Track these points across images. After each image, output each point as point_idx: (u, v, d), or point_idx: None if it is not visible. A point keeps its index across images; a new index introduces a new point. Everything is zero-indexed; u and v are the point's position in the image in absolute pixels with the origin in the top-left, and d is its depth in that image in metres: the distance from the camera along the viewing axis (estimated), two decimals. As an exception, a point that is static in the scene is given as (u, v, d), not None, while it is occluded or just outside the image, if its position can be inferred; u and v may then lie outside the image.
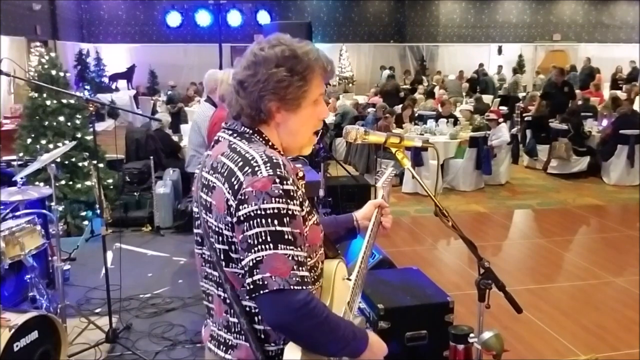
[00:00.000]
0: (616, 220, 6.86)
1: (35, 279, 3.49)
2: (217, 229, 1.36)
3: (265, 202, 1.28)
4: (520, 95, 14.08)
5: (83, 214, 5.64)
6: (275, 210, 1.28)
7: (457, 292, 3.92)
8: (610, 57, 18.83)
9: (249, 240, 1.28)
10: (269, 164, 1.31)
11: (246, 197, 1.29)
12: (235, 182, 1.31)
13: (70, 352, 3.26)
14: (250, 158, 1.33)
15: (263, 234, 1.27)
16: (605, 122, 8.84)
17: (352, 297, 1.54)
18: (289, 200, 1.30)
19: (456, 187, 7.78)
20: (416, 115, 9.82)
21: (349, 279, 1.56)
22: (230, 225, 1.33)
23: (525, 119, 9.91)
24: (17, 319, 2.82)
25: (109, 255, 4.18)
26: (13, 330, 2.75)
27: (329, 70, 1.45)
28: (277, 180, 1.29)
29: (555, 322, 3.99)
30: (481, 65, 17.68)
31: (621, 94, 11.83)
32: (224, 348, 1.43)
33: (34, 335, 2.89)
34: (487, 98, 13.29)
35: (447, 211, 1.70)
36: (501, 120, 8.53)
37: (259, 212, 1.27)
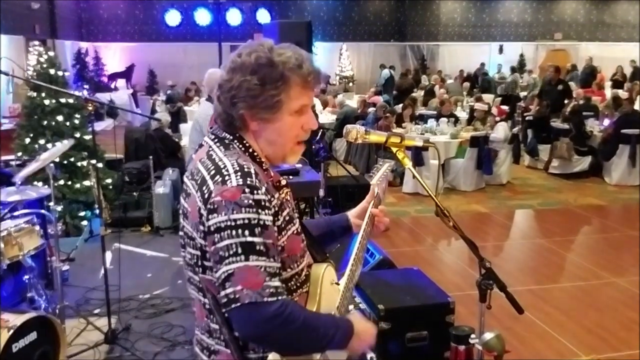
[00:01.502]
0: (618, 220, 6.84)
1: (34, 280, 3.47)
2: (191, 236, 1.35)
3: (234, 212, 1.25)
4: (522, 94, 14.08)
5: (82, 214, 5.63)
6: (246, 221, 1.25)
7: (458, 293, 3.91)
8: (611, 56, 18.83)
9: (220, 253, 1.26)
10: (239, 173, 1.29)
11: (215, 206, 1.27)
12: (205, 191, 1.30)
13: (69, 352, 3.25)
14: (222, 166, 1.32)
15: (234, 245, 1.25)
16: (606, 122, 8.83)
17: (342, 301, 1.52)
18: (259, 210, 1.27)
19: (457, 187, 7.77)
20: (417, 114, 9.81)
21: (337, 283, 1.54)
22: (202, 233, 1.31)
23: (527, 118, 9.91)
24: (16, 319, 2.81)
25: (108, 255, 4.16)
26: (12, 331, 2.74)
27: (311, 80, 1.39)
28: (247, 190, 1.27)
29: (556, 323, 3.98)
30: (482, 64, 17.67)
31: (623, 94, 11.82)
32: (207, 352, 1.42)
33: (33, 336, 2.88)
34: (488, 97, 13.28)
35: (448, 211, 1.68)
36: (498, 119, 8.50)
37: (228, 223, 1.25)
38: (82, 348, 3.42)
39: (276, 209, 1.33)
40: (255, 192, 1.28)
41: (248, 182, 1.28)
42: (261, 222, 1.27)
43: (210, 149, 1.39)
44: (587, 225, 6.63)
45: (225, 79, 1.37)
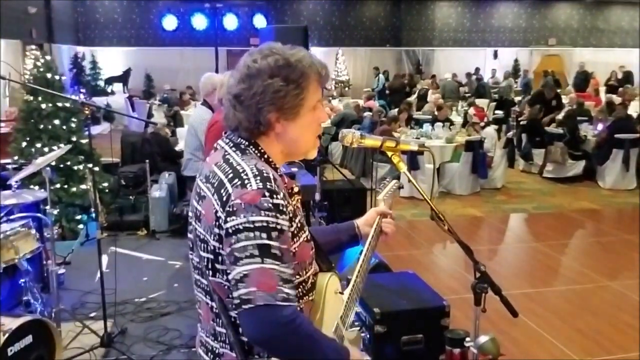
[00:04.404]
0: (611, 224, 6.88)
1: (30, 283, 3.47)
2: (204, 238, 1.36)
3: (254, 215, 1.26)
4: (516, 99, 14.16)
5: (78, 217, 5.62)
6: (264, 224, 1.27)
7: (453, 296, 3.92)
8: (604, 61, 18.97)
9: (236, 254, 1.26)
10: (259, 177, 1.30)
11: (234, 209, 1.28)
12: (224, 194, 1.31)
13: (64, 356, 3.24)
14: (240, 170, 1.33)
15: (250, 247, 1.25)
16: (600, 126, 8.88)
17: (346, 311, 1.52)
18: (277, 215, 1.29)
19: (452, 191, 7.79)
20: (412, 118, 9.85)
21: (341, 293, 1.54)
22: (218, 236, 1.32)
23: (521, 123, 9.96)
24: (12, 323, 2.80)
25: (104, 259, 4.16)
26: (7, 334, 2.73)
27: (324, 75, 1.44)
28: (267, 194, 1.28)
29: (551, 326, 4.00)
30: (477, 69, 17.75)
31: (616, 99, 11.91)
32: (212, 356, 1.43)
33: (28, 339, 2.88)
34: (482, 102, 13.34)
35: (443, 215, 1.70)
36: (482, 123, 8.56)
37: (247, 225, 1.26)
38: (77, 352, 3.41)
39: (290, 215, 1.34)
40: (274, 196, 1.29)
41: (268, 187, 1.29)
42: (278, 227, 1.28)
43: (227, 153, 1.40)
44: (581, 229, 6.66)
45: (242, 87, 1.37)
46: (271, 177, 1.32)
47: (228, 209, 1.29)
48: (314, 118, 1.44)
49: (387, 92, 14.74)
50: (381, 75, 16.86)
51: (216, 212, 1.31)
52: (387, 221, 1.78)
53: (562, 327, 4.01)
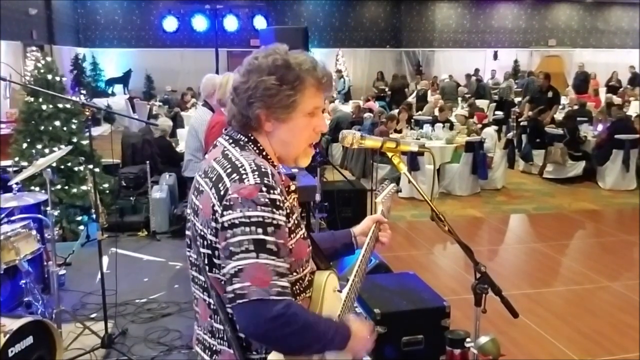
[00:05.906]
0: (612, 224, 6.88)
1: (31, 284, 3.47)
2: (202, 233, 1.36)
3: (250, 209, 1.28)
4: (516, 100, 14.17)
5: (79, 218, 5.63)
6: (260, 219, 1.28)
7: (454, 297, 3.93)
8: (604, 62, 18.97)
9: (231, 248, 1.28)
10: (256, 172, 1.31)
11: (231, 203, 1.29)
12: (221, 188, 1.32)
13: (65, 357, 3.25)
14: (239, 165, 1.34)
15: (246, 242, 1.27)
16: (600, 127, 8.89)
17: (344, 310, 1.53)
18: (274, 210, 1.30)
19: (452, 192, 7.80)
20: (412, 119, 9.87)
21: (340, 291, 1.55)
22: (214, 230, 1.33)
23: (521, 123, 9.97)
24: (12, 324, 2.81)
25: (105, 260, 4.17)
26: (8, 335, 2.74)
27: (324, 82, 1.44)
28: (264, 189, 1.29)
29: (551, 327, 4.00)
30: (477, 70, 17.76)
31: (616, 99, 11.92)
32: (209, 353, 1.44)
33: (29, 340, 2.89)
34: (482, 103, 13.34)
35: (444, 216, 1.70)
36: (480, 125, 8.59)
37: (243, 219, 1.27)
38: (78, 352, 3.42)
39: (288, 210, 1.36)
40: (271, 191, 1.30)
41: (265, 182, 1.30)
42: (274, 222, 1.29)
43: (226, 149, 1.42)
44: (581, 229, 6.67)
45: (240, 81, 1.41)
46: (269, 172, 1.33)
47: (225, 202, 1.30)
48: (309, 124, 1.44)
49: (389, 92, 14.86)
50: (345, 77, 16.90)
51: (213, 205, 1.32)
52: (383, 230, 1.78)
53: (562, 327, 4.02)
